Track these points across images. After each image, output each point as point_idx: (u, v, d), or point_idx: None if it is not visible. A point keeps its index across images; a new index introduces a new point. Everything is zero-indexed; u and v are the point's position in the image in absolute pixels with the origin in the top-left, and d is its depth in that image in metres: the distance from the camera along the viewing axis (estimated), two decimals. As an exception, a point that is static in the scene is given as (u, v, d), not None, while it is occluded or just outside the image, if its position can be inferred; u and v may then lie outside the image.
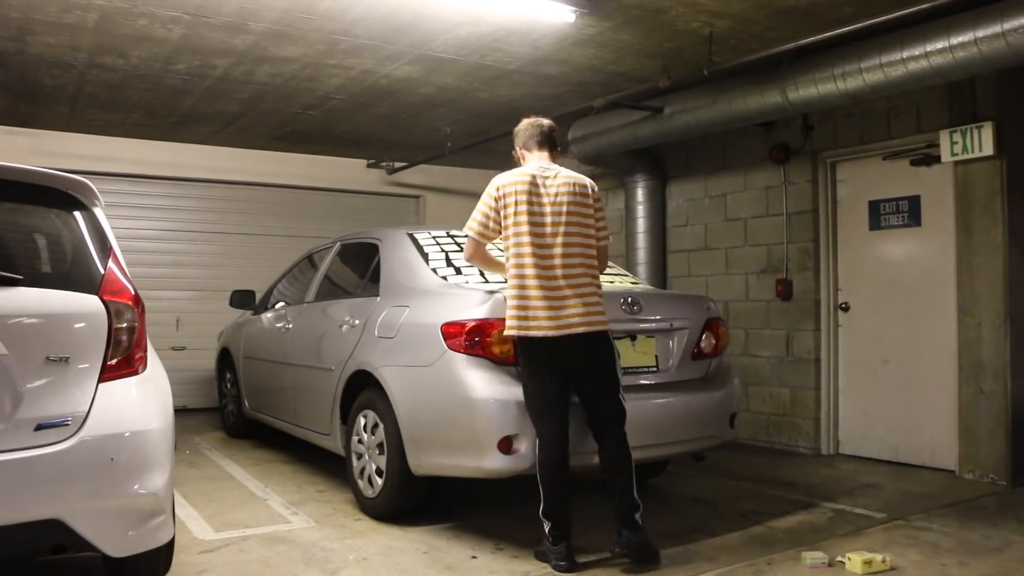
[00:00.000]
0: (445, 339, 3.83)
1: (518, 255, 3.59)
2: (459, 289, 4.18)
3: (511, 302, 3.59)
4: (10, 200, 2.88)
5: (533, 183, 3.68)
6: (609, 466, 3.66)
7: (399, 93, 6.41)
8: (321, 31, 5.01)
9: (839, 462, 5.89)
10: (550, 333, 3.51)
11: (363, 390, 4.45)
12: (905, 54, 4.58)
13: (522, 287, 3.57)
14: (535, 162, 3.81)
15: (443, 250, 4.65)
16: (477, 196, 3.87)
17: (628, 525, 3.56)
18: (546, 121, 3.93)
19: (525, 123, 3.93)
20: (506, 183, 3.70)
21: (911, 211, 5.76)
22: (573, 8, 4.55)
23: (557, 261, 3.59)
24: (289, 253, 7.66)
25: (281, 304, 6.06)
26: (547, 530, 3.55)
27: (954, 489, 4.97)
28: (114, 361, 2.70)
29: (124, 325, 2.75)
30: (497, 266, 3.87)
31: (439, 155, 8.21)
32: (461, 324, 3.80)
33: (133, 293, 2.82)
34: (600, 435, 3.69)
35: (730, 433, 4.46)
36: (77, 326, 2.67)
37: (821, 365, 6.20)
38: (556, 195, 3.68)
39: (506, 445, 3.64)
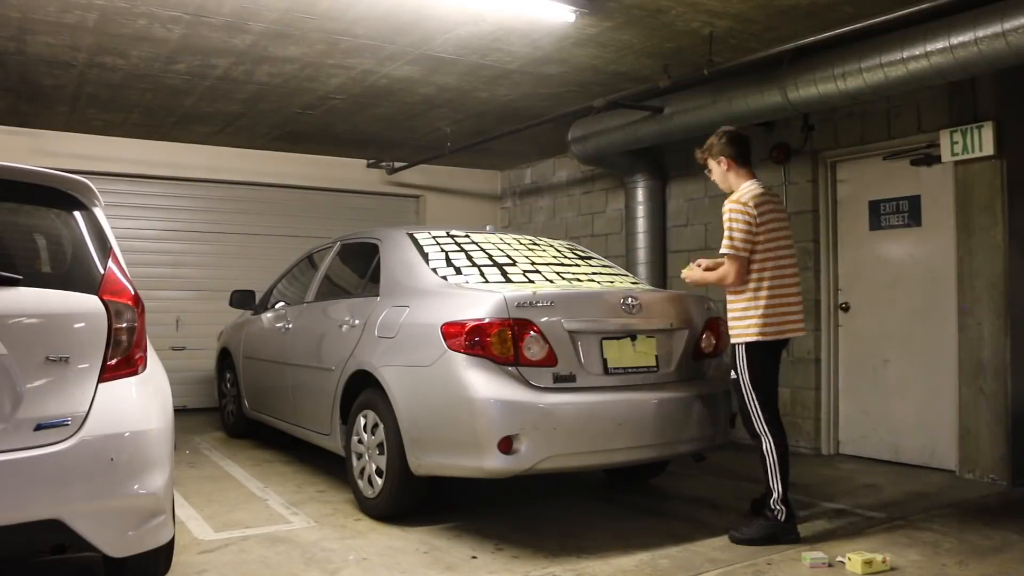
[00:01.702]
0: (445, 339, 3.83)
1: (778, 265, 3.96)
2: (459, 289, 4.18)
3: (762, 309, 3.91)
4: (10, 200, 2.88)
5: (773, 199, 4.10)
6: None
7: (399, 93, 6.41)
8: (321, 31, 5.01)
9: (839, 462, 5.89)
10: (791, 335, 4.02)
11: (363, 390, 4.45)
12: (905, 54, 4.58)
13: (781, 295, 3.95)
14: (753, 179, 4.09)
15: (443, 250, 4.65)
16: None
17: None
18: (746, 134, 4.23)
19: (736, 135, 4.15)
20: (758, 200, 3.96)
21: (911, 211, 5.76)
22: (573, 8, 4.55)
23: (793, 271, 4.04)
24: (289, 253, 7.66)
25: (281, 304, 6.06)
26: (784, 509, 3.86)
27: (954, 489, 4.97)
28: (114, 361, 2.70)
29: (124, 325, 2.75)
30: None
31: (439, 155, 8.20)
32: (461, 324, 3.80)
33: (133, 293, 2.82)
34: None
35: (730, 433, 4.46)
36: (77, 326, 2.67)
37: (821, 365, 6.20)
38: (781, 210, 4.11)
39: (506, 445, 3.63)
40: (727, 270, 3.93)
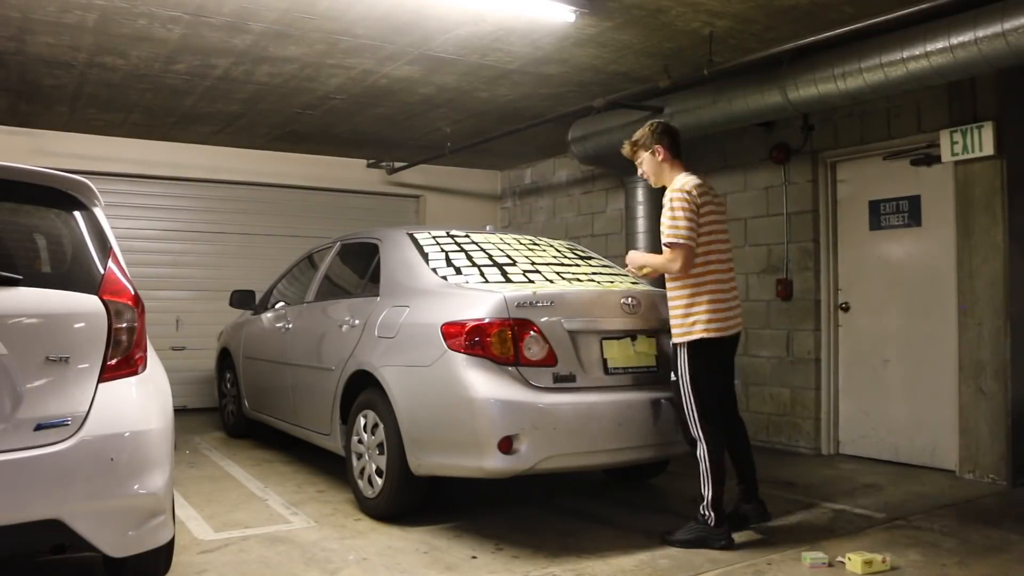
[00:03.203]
0: (445, 339, 3.83)
1: (713, 261, 3.83)
2: (459, 289, 4.18)
3: (705, 305, 3.79)
4: (10, 200, 2.88)
5: (712, 191, 3.96)
6: (740, 447, 4.08)
7: (399, 93, 6.41)
8: (321, 31, 5.01)
9: (839, 462, 5.89)
10: (735, 331, 3.90)
11: (363, 390, 4.45)
12: (905, 54, 4.58)
13: (715, 291, 3.82)
14: (688, 172, 3.98)
15: (443, 250, 4.65)
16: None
17: (755, 496, 4.09)
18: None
19: (671, 126, 4.09)
20: (699, 190, 3.85)
21: (911, 211, 5.76)
22: (573, 8, 4.55)
23: (730, 265, 3.95)
24: (289, 253, 7.67)
25: (281, 304, 6.06)
26: (713, 514, 3.77)
27: (954, 489, 4.97)
28: (114, 361, 2.70)
29: (124, 325, 2.75)
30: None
31: (439, 155, 8.20)
32: (461, 324, 3.80)
33: (133, 293, 2.82)
34: (730, 421, 4.04)
35: (730, 433, 4.47)
36: (77, 326, 2.67)
37: (821, 365, 6.20)
38: (721, 204, 4.00)
39: (506, 445, 3.63)
40: (673, 257, 3.75)
